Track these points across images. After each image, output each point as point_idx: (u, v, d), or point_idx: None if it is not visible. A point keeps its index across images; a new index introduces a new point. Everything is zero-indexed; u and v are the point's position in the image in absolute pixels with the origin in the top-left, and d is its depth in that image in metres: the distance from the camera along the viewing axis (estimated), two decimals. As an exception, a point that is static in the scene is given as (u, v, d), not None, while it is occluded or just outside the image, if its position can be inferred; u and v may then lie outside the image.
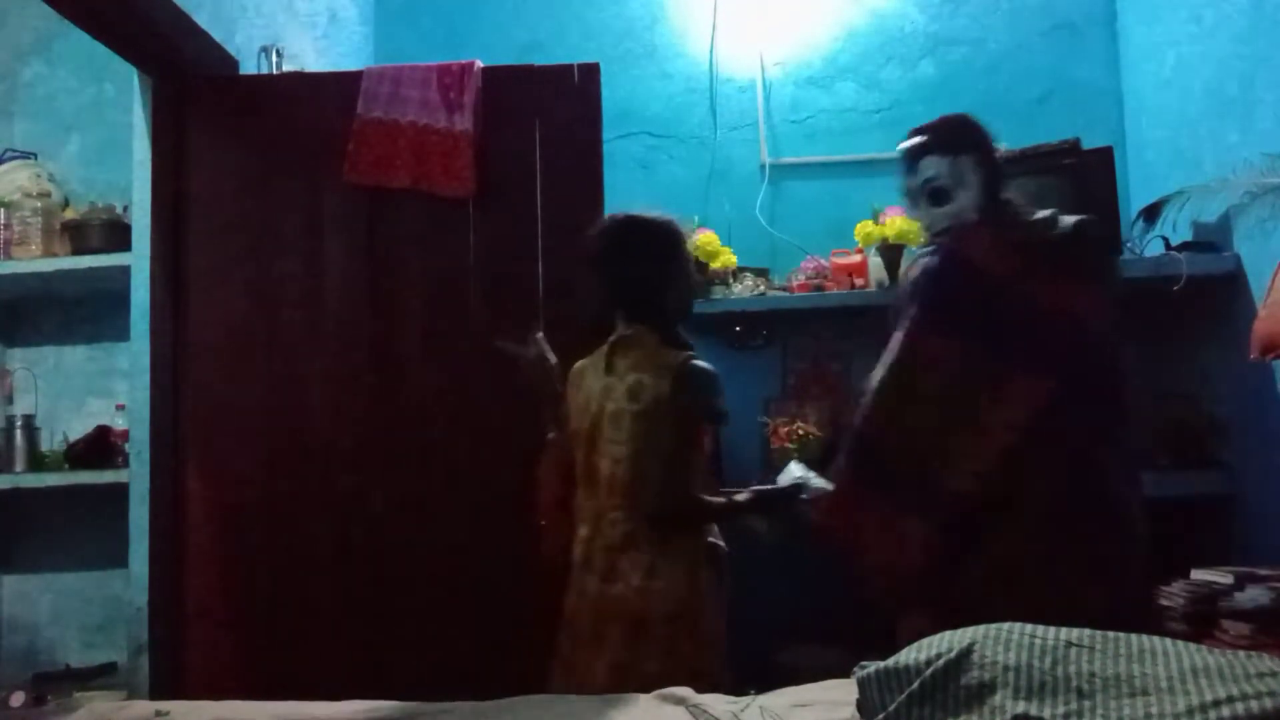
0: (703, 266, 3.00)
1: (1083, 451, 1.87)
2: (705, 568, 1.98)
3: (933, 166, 2.06)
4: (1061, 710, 1.06)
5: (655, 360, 2.00)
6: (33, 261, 2.79)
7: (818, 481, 2.10)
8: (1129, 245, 2.81)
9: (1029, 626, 1.20)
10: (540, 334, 2.15)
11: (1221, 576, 2.11)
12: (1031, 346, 1.88)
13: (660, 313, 2.07)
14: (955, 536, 1.84)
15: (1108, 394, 1.93)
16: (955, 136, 2.08)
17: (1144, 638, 1.16)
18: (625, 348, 2.05)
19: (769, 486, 2.17)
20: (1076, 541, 1.83)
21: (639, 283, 2.07)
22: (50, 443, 2.94)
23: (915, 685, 1.16)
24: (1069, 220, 1.99)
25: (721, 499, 2.09)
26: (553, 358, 2.13)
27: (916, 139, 2.12)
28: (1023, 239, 1.99)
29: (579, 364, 2.14)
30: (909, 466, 1.90)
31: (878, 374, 1.97)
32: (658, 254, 2.07)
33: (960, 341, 1.91)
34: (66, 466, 2.82)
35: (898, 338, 1.97)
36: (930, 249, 2.10)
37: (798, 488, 2.11)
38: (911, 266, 2.07)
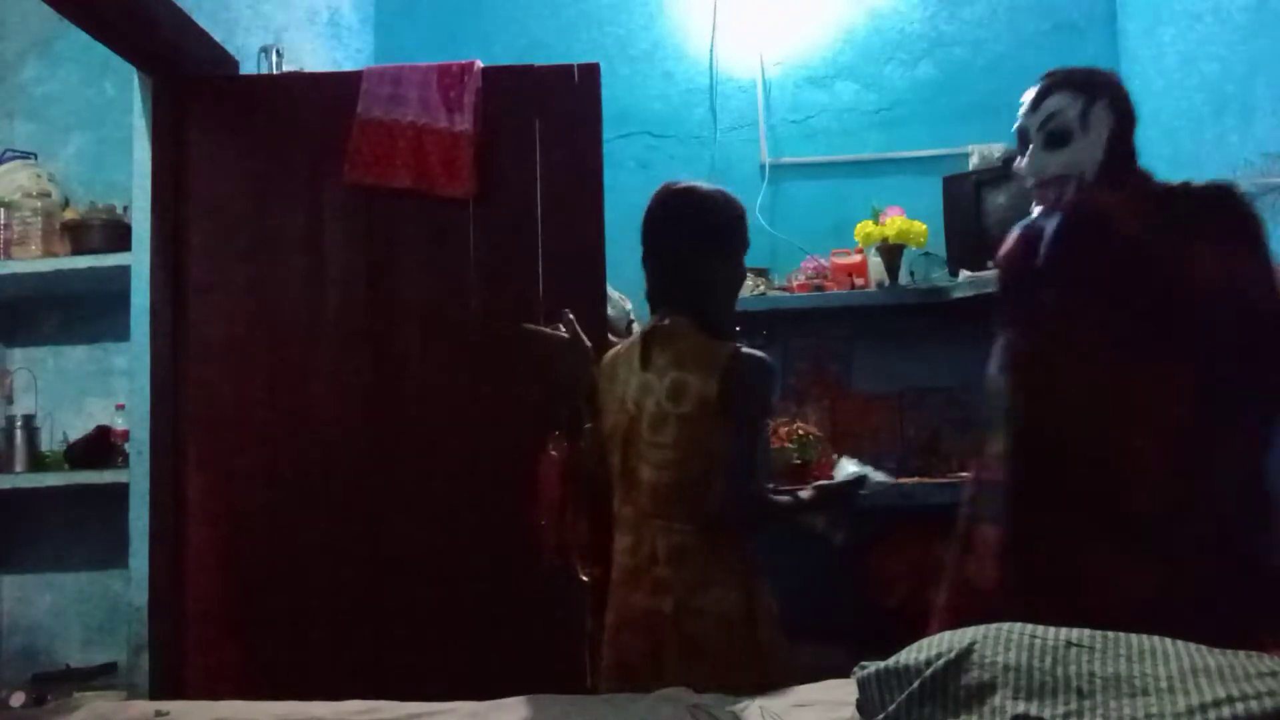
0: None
1: (1245, 447, 1.62)
2: (759, 572, 1.84)
3: (1057, 104, 1.79)
4: (1061, 710, 1.06)
5: (698, 355, 1.82)
6: (33, 261, 2.79)
7: (876, 475, 2.00)
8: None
9: (1029, 626, 1.19)
10: (570, 314, 2.01)
11: (1222, 576, 2.10)
12: (1189, 323, 1.62)
13: (704, 301, 1.88)
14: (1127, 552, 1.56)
15: (1273, 379, 1.64)
16: (1090, 79, 1.81)
17: (1144, 638, 1.16)
18: (664, 339, 1.88)
19: (829, 481, 2.05)
20: (1229, 557, 1.58)
21: (683, 266, 1.89)
22: (50, 443, 2.94)
23: (915, 685, 1.16)
24: (1208, 182, 1.75)
25: (786, 497, 1.94)
26: (586, 340, 2.00)
27: (1047, 80, 1.85)
28: (1162, 197, 1.74)
29: (610, 354, 2.02)
30: (1078, 481, 1.62)
31: (1006, 375, 1.68)
32: (707, 234, 1.89)
33: (1106, 318, 1.64)
34: (66, 466, 2.82)
35: (1023, 322, 1.68)
36: (1042, 211, 1.80)
37: (858, 481, 1.99)
38: (1018, 234, 1.76)
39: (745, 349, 1.82)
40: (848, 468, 2.09)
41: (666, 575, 1.80)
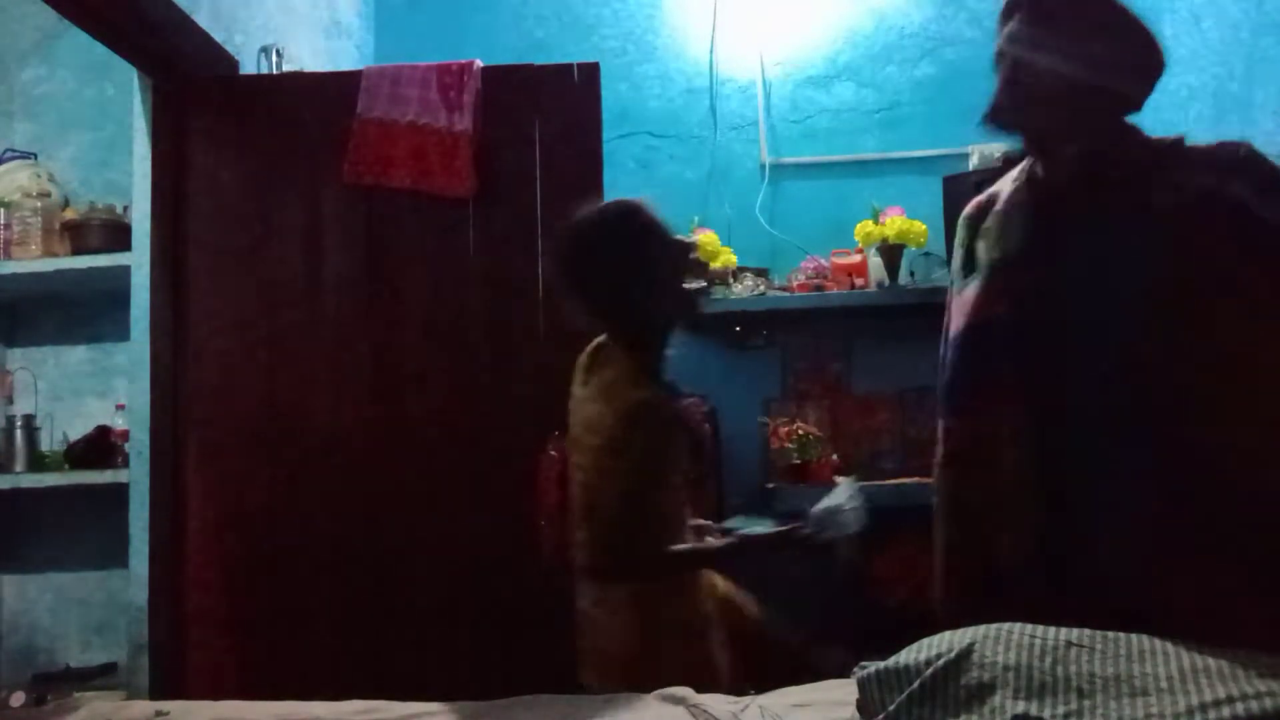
0: (703, 266, 3.00)
1: None
2: (656, 614, 1.74)
3: None
4: (1061, 710, 1.06)
5: (613, 392, 1.75)
6: (33, 261, 2.79)
7: (854, 517, 1.79)
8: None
9: (1029, 626, 1.19)
10: None
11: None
12: None
13: (626, 326, 1.81)
14: None
15: None
16: None
17: (1144, 638, 1.16)
18: (598, 363, 1.84)
19: (761, 531, 1.90)
20: None
21: (593, 295, 1.82)
22: (50, 443, 2.94)
23: (915, 685, 1.16)
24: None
25: (688, 548, 1.81)
26: None
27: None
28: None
29: (587, 349, 1.97)
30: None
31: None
32: (590, 272, 1.81)
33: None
34: (66, 466, 2.82)
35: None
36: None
37: (806, 535, 1.81)
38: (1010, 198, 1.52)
39: (647, 403, 1.71)
40: (839, 496, 1.86)
41: (578, 582, 1.83)
